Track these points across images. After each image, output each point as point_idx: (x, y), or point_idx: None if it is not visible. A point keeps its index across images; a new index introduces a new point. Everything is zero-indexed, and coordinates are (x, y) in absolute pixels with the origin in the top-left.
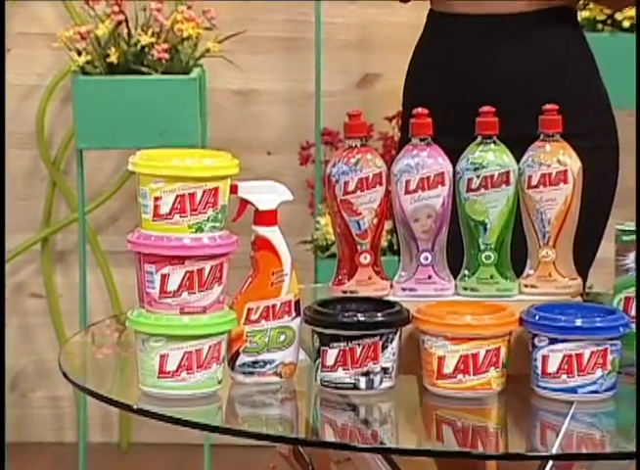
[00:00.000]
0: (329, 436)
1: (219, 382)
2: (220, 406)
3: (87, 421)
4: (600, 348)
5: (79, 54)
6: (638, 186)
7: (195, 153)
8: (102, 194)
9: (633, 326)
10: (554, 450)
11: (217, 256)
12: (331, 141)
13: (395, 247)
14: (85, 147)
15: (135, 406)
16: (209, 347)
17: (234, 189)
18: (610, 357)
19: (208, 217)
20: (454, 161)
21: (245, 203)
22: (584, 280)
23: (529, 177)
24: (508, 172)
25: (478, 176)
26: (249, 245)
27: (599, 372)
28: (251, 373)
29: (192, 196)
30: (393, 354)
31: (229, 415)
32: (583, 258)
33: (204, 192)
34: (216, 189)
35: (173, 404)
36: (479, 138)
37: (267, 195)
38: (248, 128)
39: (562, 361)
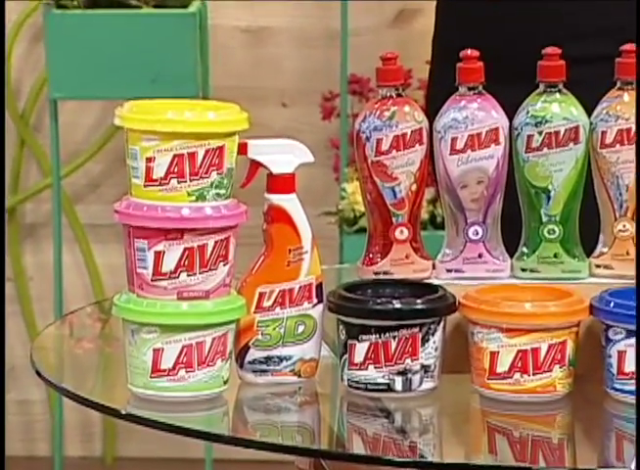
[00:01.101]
0: (357, 448)
1: (225, 382)
2: (226, 411)
3: (64, 431)
4: None
5: None
6: (638, 185)
7: (195, 104)
8: (80, 154)
9: None
10: (632, 466)
11: (223, 229)
12: (360, 90)
13: (439, 219)
14: (60, 97)
15: (123, 411)
16: (213, 339)
17: (243, 148)
18: None
19: (212, 183)
20: (511, 114)
21: (256, 165)
22: None
23: (603, 134)
24: (577, 128)
25: (540, 133)
26: (260, 216)
27: None
28: (264, 371)
29: (192, 156)
30: (436, 349)
31: (237, 422)
32: None
33: (206, 152)
34: (221, 148)
35: (169, 409)
36: (541, 86)
37: (283, 156)
38: (258, 75)
39: None
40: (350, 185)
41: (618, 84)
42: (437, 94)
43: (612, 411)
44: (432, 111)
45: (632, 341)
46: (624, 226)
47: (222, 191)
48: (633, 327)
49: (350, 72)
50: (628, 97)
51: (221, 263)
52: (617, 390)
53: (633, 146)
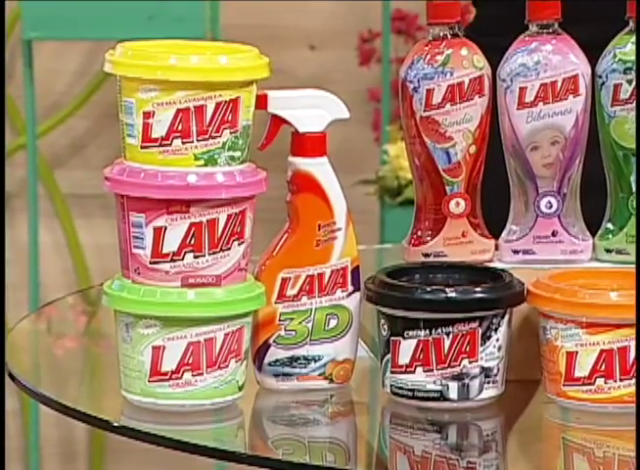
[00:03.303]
0: (402, 469)
1: (240, 388)
2: (241, 424)
3: (39, 449)
4: None
5: None
6: (638, 185)
7: (203, 47)
8: (61, 109)
9: None
10: None
11: (237, 200)
12: (406, 29)
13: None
14: (35, 37)
15: (115, 423)
16: (225, 336)
17: (262, 101)
18: None
19: (224, 144)
20: (593, 59)
21: (278, 122)
22: None
23: None
24: None
25: (629, 82)
26: (283, 185)
27: None
28: (288, 375)
29: (200, 111)
30: (499, 349)
31: (254, 437)
32: None
33: (217, 105)
34: (235, 101)
35: (172, 421)
36: (630, 23)
37: (311, 110)
38: (280, 10)
39: None
40: (394, 147)
41: None
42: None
43: None
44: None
45: None
46: None
47: (237, 154)
48: None
49: (394, 7)
50: None
51: (235, 243)
52: None
53: None
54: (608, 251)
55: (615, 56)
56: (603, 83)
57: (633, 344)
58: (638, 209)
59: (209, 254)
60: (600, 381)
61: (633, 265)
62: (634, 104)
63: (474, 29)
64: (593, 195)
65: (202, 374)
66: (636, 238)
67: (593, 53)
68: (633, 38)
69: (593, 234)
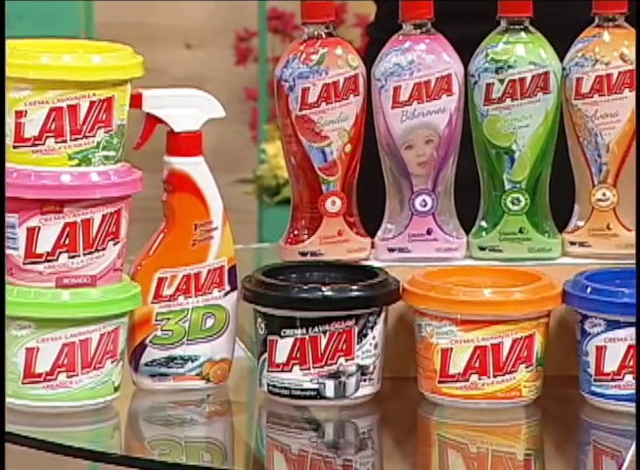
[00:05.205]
0: (279, 468)
1: (116, 389)
2: (117, 425)
3: None
4: None
5: None
6: (638, 184)
7: (76, 45)
8: None
9: None
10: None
11: (112, 200)
12: (282, 28)
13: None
14: None
15: None
16: (101, 336)
17: (137, 100)
18: None
19: (99, 143)
20: (466, 58)
21: (153, 121)
22: None
23: (578, 81)
24: (546, 74)
25: (501, 81)
26: (159, 185)
27: None
28: (164, 375)
29: (73, 110)
30: (376, 347)
31: (130, 438)
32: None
33: (91, 104)
34: (109, 100)
35: (46, 423)
36: (502, 23)
37: (187, 109)
38: (156, 10)
39: (625, 355)
40: (271, 146)
41: (597, 21)
42: (380, 33)
43: (588, 420)
44: (372, 54)
45: (614, 334)
46: (604, 195)
47: (112, 153)
48: (615, 317)
49: (270, 7)
50: (608, 36)
51: (111, 243)
52: (594, 394)
53: (616, 96)
54: (481, 248)
55: (487, 55)
56: (475, 83)
57: (507, 340)
58: (638, 209)
59: (84, 254)
60: (474, 377)
61: (506, 263)
62: (506, 102)
63: (376, 26)
64: (467, 193)
65: (77, 375)
66: (636, 238)
67: (466, 52)
68: (506, 36)
69: (467, 232)
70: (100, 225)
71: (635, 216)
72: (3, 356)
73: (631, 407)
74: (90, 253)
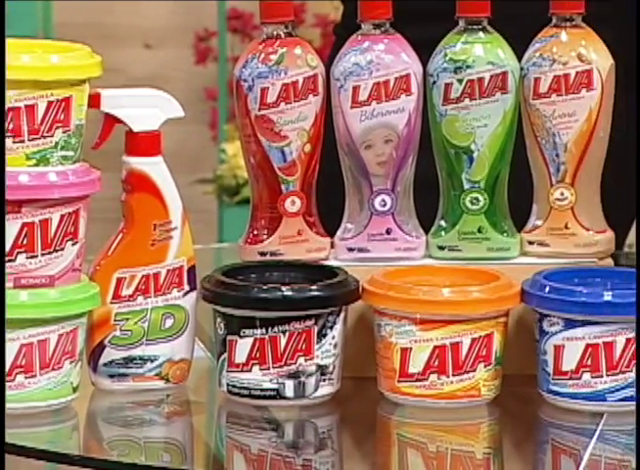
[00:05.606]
0: (239, 468)
1: (75, 389)
2: (76, 425)
3: None
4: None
5: None
6: (638, 183)
7: (34, 45)
8: None
9: None
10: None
11: (71, 200)
12: (242, 28)
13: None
14: None
15: None
16: (59, 337)
17: (95, 100)
18: None
19: (57, 143)
20: (425, 58)
21: (111, 121)
22: (622, 235)
23: (536, 81)
24: (505, 74)
25: (459, 81)
26: (118, 185)
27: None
28: (123, 376)
29: (30, 110)
30: (335, 346)
31: (89, 439)
32: (622, 202)
33: (49, 104)
34: (67, 100)
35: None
36: (460, 23)
37: (146, 109)
38: (115, 9)
39: (583, 355)
40: (231, 146)
41: (554, 21)
42: (346, 33)
43: (547, 419)
44: (338, 53)
45: (572, 333)
46: (562, 194)
47: (70, 153)
48: (573, 316)
49: (230, 7)
50: (566, 36)
51: (69, 243)
52: (553, 393)
53: (573, 95)
54: (441, 248)
55: (445, 55)
56: (434, 82)
57: (465, 339)
58: (638, 210)
59: (42, 254)
60: (433, 377)
61: (465, 262)
62: (465, 102)
63: (342, 26)
64: (426, 193)
65: (35, 376)
66: (636, 239)
67: (424, 52)
68: (465, 36)
69: (426, 232)
70: (58, 225)
71: (635, 216)
72: (3, 356)
73: (588, 406)
74: (48, 253)
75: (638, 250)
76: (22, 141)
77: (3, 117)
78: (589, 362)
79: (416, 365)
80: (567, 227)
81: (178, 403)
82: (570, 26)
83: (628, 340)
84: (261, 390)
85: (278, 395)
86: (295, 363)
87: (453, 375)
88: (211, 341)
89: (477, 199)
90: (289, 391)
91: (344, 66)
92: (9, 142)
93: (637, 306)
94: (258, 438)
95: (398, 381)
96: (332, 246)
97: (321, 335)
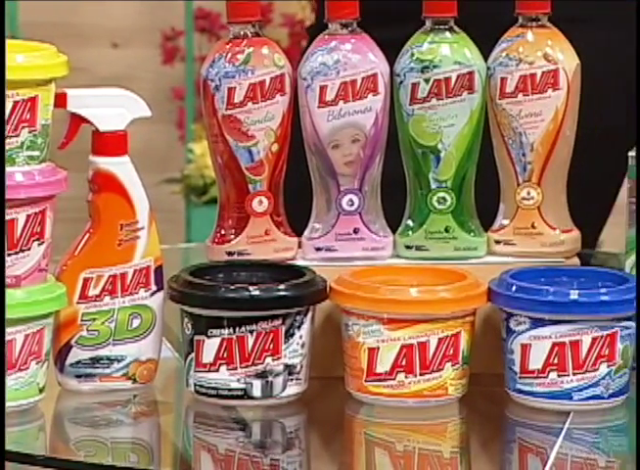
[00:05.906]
0: (207, 468)
1: (41, 390)
2: (42, 426)
3: None
4: (605, 332)
5: None
6: (638, 183)
7: None
8: None
9: None
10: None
11: (37, 200)
12: (209, 28)
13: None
14: None
15: None
16: (25, 337)
17: (61, 100)
18: (619, 346)
19: (23, 143)
20: (392, 58)
21: (77, 121)
22: (591, 234)
23: (503, 81)
24: (471, 74)
25: (426, 80)
26: (84, 185)
27: (604, 368)
28: (90, 376)
29: None
30: (302, 346)
31: (55, 439)
32: (590, 201)
33: (14, 104)
34: (33, 100)
35: None
36: (427, 23)
37: (112, 109)
38: (81, 9)
39: (550, 353)
40: (199, 145)
41: (520, 20)
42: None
43: (514, 418)
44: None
45: (538, 332)
46: (528, 193)
47: (36, 153)
48: (539, 315)
49: (197, 6)
50: (532, 36)
51: (35, 243)
52: (519, 392)
53: (539, 95)
54: (408, 247)
55: (412, 55)
56: (401, 82)
57: (433, 339)
58: (638, 211)
59: (8, 254)
60: (401, 376)
61: (432, 261)
62: (432, 102)
63: (316, 27)
64: (393, 192)
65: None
66: (637, 239)
67: (391, 52)
68: (431, 36)
69: (394, 231)
70: (24, 225)
71: (635, 217)
72: (3, 356)
73: (555, 404)
74: (15, 253)
75: (638, 252)
76: None
77: (3, 118)
78: (556, 361)
79: (383, 365)
80: (533, 227)
81: (145, 404)
82: (536, 26)
83: (594, 339)
84: (229, 390)
85: (245, 394)
86: (262, 363)
87: (420, 374)
88: (179, 341)
89: (444, 198)
90: (256, 390)
91: (312, 65)
92: None
93: (637, 306)
94: (226, 438)
95: (366, 380)
96: (299, 245)
97: (288, 335)
